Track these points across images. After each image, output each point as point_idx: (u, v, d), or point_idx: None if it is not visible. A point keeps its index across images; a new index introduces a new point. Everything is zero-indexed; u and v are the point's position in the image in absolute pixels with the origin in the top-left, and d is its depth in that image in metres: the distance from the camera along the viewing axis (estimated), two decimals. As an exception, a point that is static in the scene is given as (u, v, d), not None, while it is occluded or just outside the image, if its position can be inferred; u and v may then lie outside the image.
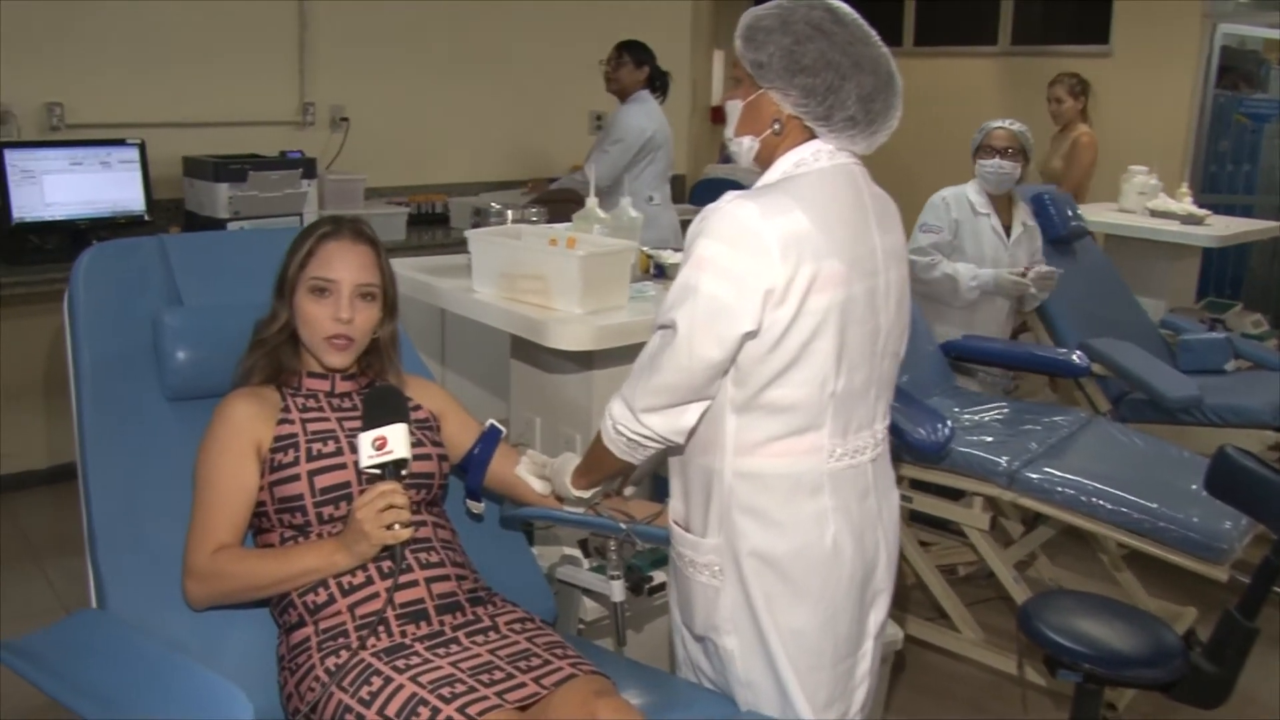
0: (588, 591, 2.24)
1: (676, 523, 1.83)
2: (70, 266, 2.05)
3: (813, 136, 1.71)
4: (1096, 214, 5.16)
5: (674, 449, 1.77)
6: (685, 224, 5.85)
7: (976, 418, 3.49)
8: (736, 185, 5.46)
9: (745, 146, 1.77)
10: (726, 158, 7.68)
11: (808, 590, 1.73)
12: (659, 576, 2.19)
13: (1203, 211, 5.09)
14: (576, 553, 2.30)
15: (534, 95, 5.68)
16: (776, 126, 1.73)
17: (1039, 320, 4.33)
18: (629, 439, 1.72)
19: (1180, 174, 6.40)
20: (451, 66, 5.33)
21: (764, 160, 1.76)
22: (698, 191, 6.29)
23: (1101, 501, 2.93)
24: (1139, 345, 4.18)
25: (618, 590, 2.09)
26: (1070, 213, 4.48)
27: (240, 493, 1.84)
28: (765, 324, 1.61)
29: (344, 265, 1.90)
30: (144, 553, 1.87)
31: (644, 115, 4.76)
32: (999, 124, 3.93)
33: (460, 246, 4.68)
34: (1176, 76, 6.72)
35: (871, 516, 1.81)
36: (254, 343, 1.96)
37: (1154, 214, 5.19)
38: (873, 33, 1.70)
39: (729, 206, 1.63)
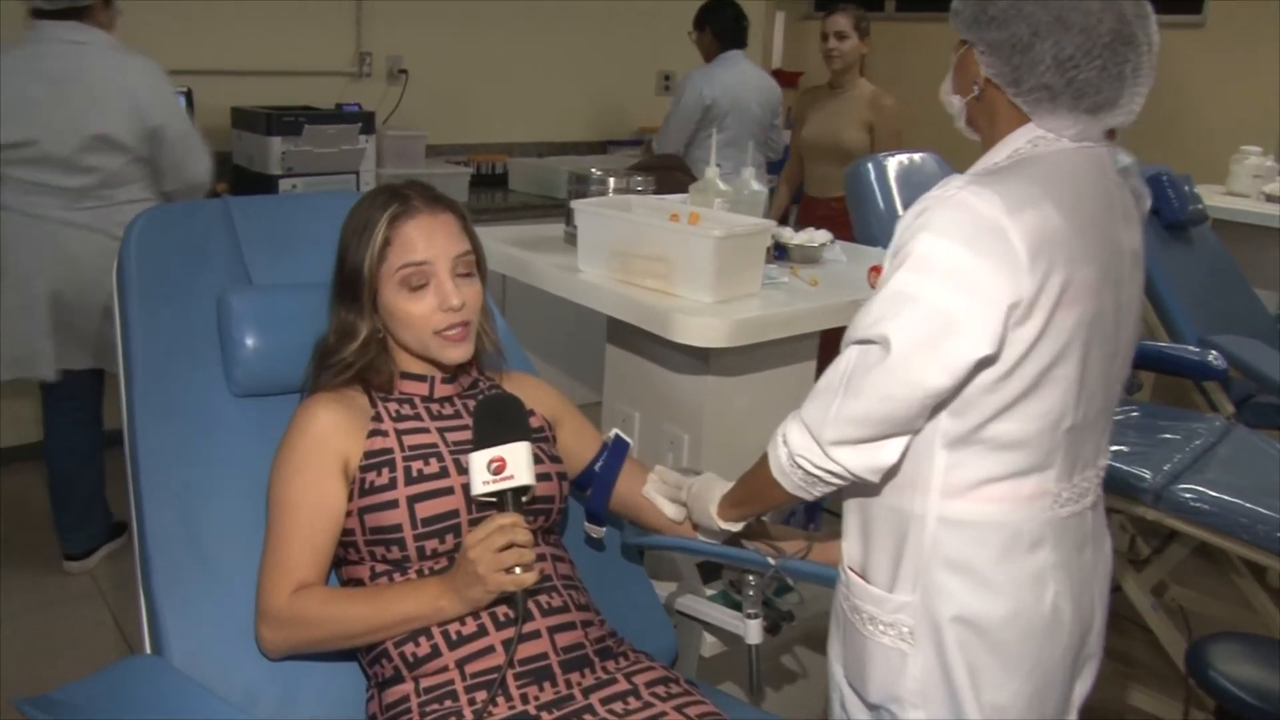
0: (708, 625, 1.93)
1: (852, 569, 1.51)
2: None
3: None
4: (1205, 198, 4.78)
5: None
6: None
7: (1104, 422, 3.15)
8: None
9: (955, 107, 1.47)
10: (790, 124, 7.30)
11: (1020, 662, 1.42)
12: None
13: (1328, 197, 4.71)
14: (697, 580, 1.99)
15: (600, 53, 5.32)
16: (976, 89, 1.41)
17: (1154, 313, 3.98)
18: (808, 473, 1.40)
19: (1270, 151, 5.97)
20: (514, 19, 4.98)
21: (978, 130, 1.45)
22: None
23: (1268, 528, 2.59)
24: (1260, 342, 3.83)
25: (754, 631, 1.79)
26: (1190, 191, 4.11)
27: (325, 520, 1.53)
28: (1004, 345, 1.28)
29: (431, 242, 1.58)
30: (209, 585, 1.57)
31: (706, 81, 4.41)
32: None
33: (522, 212, 4.45)
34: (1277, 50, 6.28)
35: (1088, 571, 1.50)
36: (327, 365, 1.64)
37: (1270, 199, 4.81)
38: None
39: (962, 195, 1.29)
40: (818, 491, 1.43)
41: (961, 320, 1.26)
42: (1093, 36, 1.31)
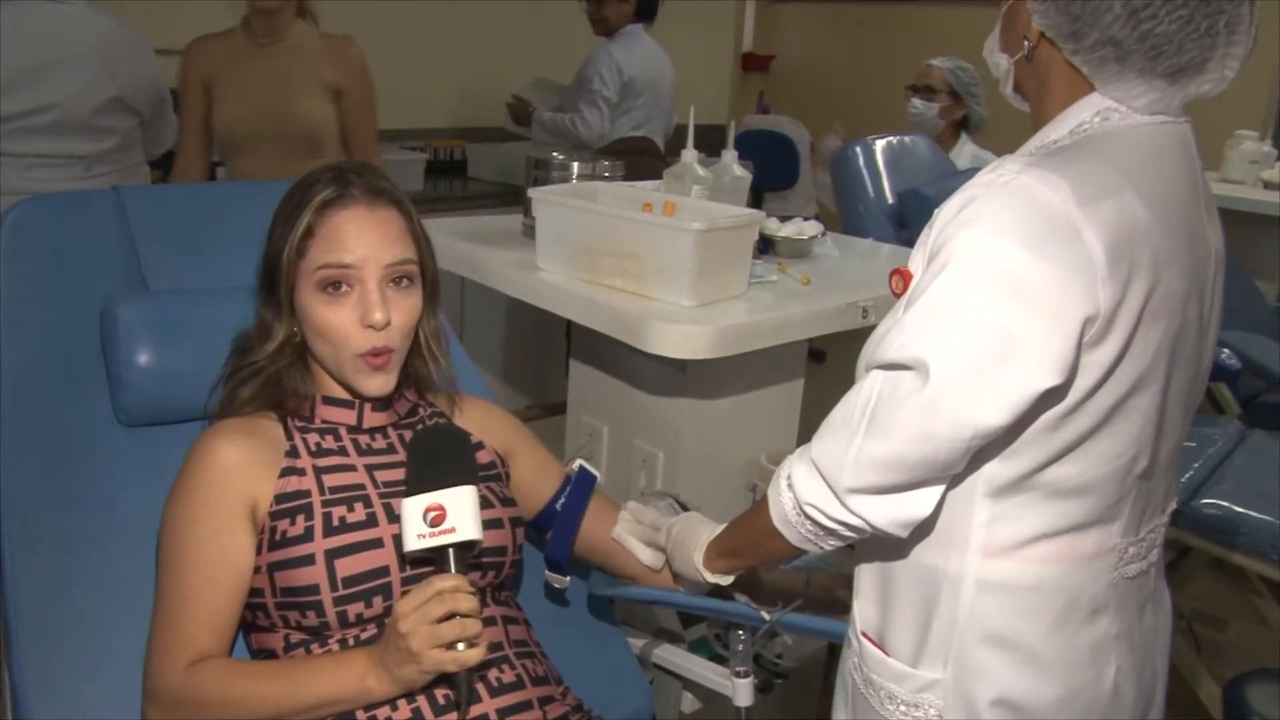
0: (689, 681, 1.68)
1: (866, 635, 1.25)
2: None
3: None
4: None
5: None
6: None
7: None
8: (780, 139, 4.81)
9: (1002, 68, 1.20)
10: (765, 108, 7.04)
11: (1072, 752, 1.16)
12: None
13: (1329, 184, 4.50)
14: (675, 627, 1.73)
15: (571, 30, 5.02)
16: (1026, 47, 1.15)
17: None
18: (819, 525, 1.14)
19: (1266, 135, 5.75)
20: (473, -6, 4.68)
21: (1029, 97, 1.19)
22: (740, 144, 5.66)
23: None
24: (1268, 338, 3.62)
25: (744, 692, 1.54)
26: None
27: (228, 578, 1.26)
28: (1075, 372, 1.02)
29: (362, 241, 1.30)
30: (86, 659, 1.30)
31: (622, 54, 3.98)
32: (931, 60, 3.54)
33: (482, 201, 4.16)
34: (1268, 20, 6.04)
35: (1150, 636, 1.25)
36: (238, 366, 1.37)
37: (1267, 185, 4.60)
38: None
39: (1021, 180, 1.02)
40: (829, 545, 1.17)
41: (1021, 342, 1.00)
42: None
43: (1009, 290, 1.00)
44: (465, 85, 4.80)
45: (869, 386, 1.08)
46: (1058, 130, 1.12)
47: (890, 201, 3.02)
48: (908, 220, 2.95)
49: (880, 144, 3.09)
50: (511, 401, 3.67)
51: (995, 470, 1.09)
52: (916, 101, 3.48)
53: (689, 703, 1.75)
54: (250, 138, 2.77)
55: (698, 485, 1.95)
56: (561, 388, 2.26)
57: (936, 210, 1.09)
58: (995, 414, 1.01)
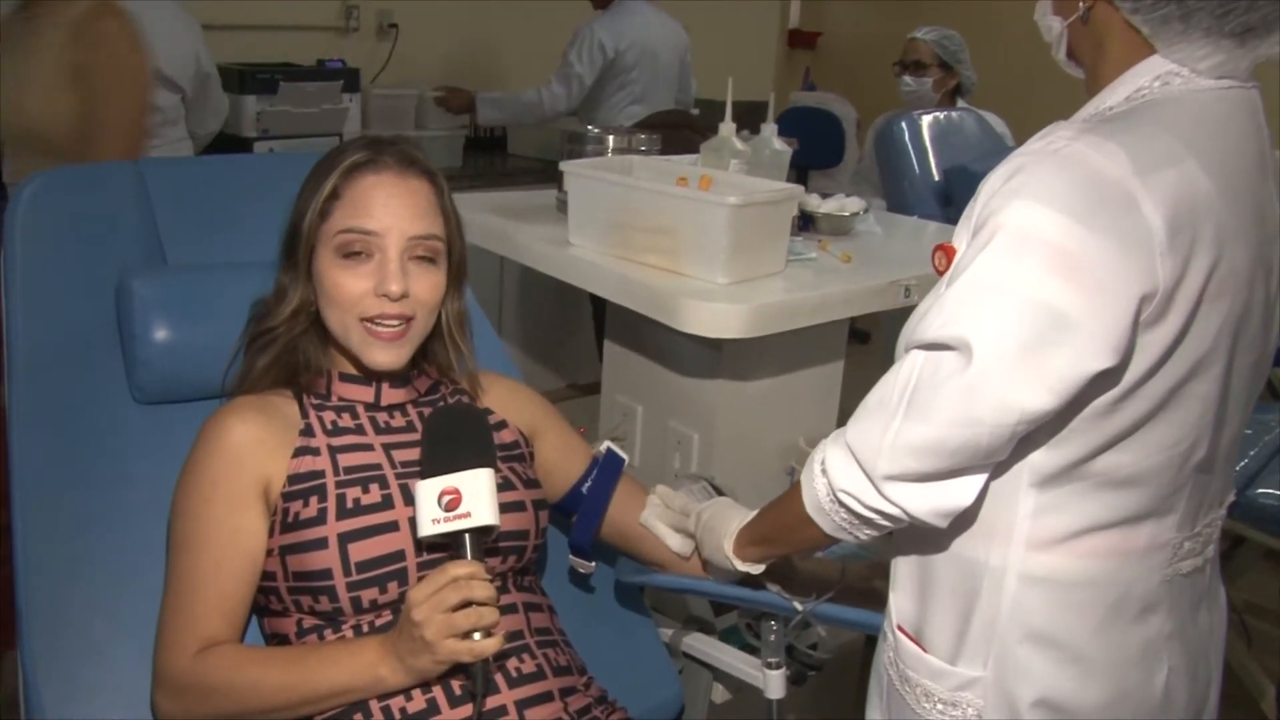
0: (720, 672, 1.63)
1: (903, 629, 1.19)
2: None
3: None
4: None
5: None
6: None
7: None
8: (827, 116, 4.70)
9: (1054, 32, 1.13)
10: (811, 85, 6.92)
11: (1121, 757, 1.10)
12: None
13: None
14: (707, 615, 1.68)
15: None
16: (1082, 8, 1.08)
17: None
18: (854, 513, 1.08)
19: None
20: (515, -32, 4.62)
21: (1081, 63, 1.12)
22: (785, 122, 5.57)
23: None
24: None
25: (776, 684, 1.49)
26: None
27: (239, 562, 1.22)
28: (1130, 354, 0.96)
29: (388, 209, 1.25)
30: (100, 644, 1.27)
31: (607, 30, 3.88)
32: (914, 33, 3.46)
33: (521, 178, 4.11)
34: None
35: (1204, 636, 1.19)
36: (254, 335, 1.33)
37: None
38: None
39: (1075, 148, 0.96)
40: (865, 534, 1.11)
41: (1072, 320, 0.93)
42: None
43: (1059, 265, 0.93)
44: (506, 61, 4.74)
45: (908, 367, 1.02)
46: (1114, 96, 1.05)
47: (936, 179, 2.94)
48: (955, 198, 2.88)
49: (926, 119, 3.01)
50: (548, 382, 3.63)
51: (1042, 458, 1.03)
52: (908, 79, 3.42)
53: (719, 693, 1.70)
54: (7, 140, 2.16)
55: (734, 468, 1.90)
56: (598, 368, 2.21)
57: (982, 181, 1.02)
58: (1042, 398, 0.95)
